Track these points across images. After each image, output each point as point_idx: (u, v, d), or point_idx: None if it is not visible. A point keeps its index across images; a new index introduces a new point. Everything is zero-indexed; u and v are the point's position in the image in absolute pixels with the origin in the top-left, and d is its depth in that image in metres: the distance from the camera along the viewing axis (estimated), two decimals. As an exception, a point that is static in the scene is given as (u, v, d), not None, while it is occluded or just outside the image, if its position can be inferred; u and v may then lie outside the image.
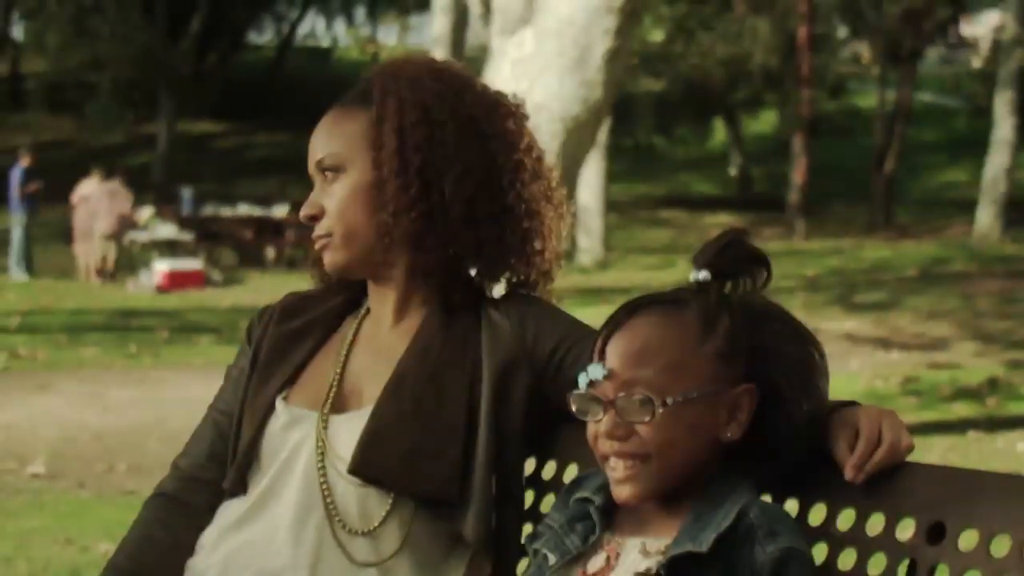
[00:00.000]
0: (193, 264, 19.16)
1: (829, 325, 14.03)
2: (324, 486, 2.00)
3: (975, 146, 27.04)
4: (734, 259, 1.81)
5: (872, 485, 1.74)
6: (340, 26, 48.18)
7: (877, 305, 16.47)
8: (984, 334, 14.03)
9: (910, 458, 1.76)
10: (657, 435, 1.72)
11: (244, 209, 22.32)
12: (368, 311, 2.15)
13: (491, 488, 2.01)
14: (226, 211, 22.33)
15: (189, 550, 2.09)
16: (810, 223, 26.03)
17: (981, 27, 36.19)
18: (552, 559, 1.78)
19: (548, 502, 1.96)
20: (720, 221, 25.14)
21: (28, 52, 36.40)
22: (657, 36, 30.44)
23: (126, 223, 19.74)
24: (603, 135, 19.61)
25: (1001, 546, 1.64)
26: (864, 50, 34.10)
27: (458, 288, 2.09)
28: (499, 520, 2.03)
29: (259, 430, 2.08)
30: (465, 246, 2.05)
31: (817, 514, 1.81)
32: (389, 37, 49.61)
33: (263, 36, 43.74)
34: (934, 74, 37.08)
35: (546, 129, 6.13)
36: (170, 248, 19.64)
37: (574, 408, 1.78)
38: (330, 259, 2.09)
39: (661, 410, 1.71)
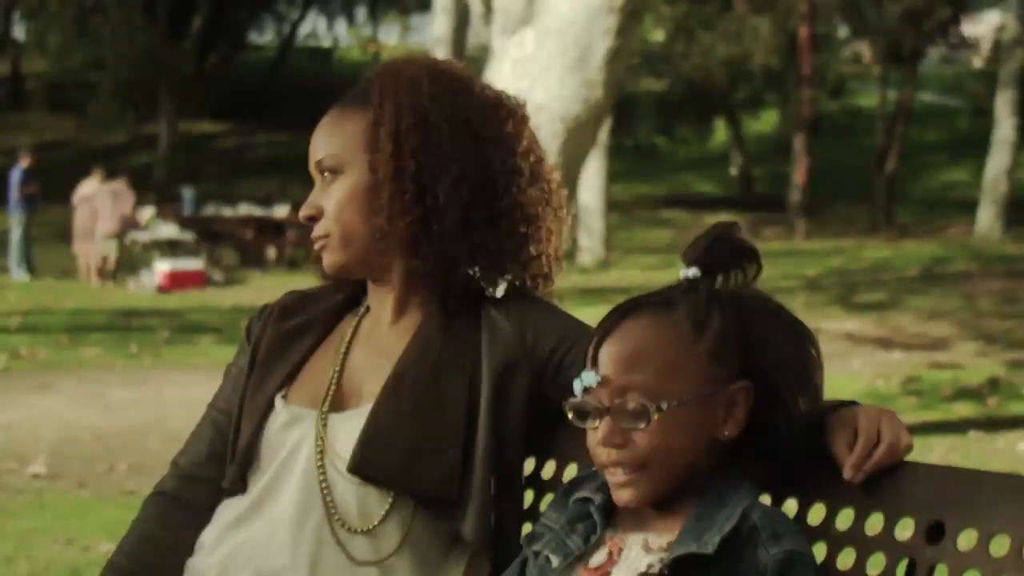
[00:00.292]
0: (194, 264, 19.16)
1: (830, 325, 14.03)
2: (324, 485, 2.00)
3: (976, 146, 27.06)
4: (724, 253, 1.78)
5: (871, 485, 1.74)
6: (341, 26, 48.25)
7: (878, 305, 16.47)
8: (985, 334, 14.03)
9: (909, 457, 1.76)
10: (654, 441, 1.71)
11: (245, 209, 22.33)
12: (368, 309, 2.16)
13: (490, 487, 2.01)
14: (227, 211, 22.34)
15: (189, 549, 2.09)
16: (811, 223, 26.03)
17: (982, 27, 36.16)
18: (555, 561, 1.78)
19: (548, 502, 1.96)
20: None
21: (29, 52, 36.40)
22: (658, 36, 30.46)
23: (128, 224, 19.75)
24: (604, 135, 19.60)
25: (1000, 546, 1.64)
26: (865, 50, 34.09)
27: (457, 289, 2.08)
28: (499, 520, 2.03)
29: (258, 429, 2.08)
30: (460, 251, 2.04)
31: (816, 513, 1.81)
32: (390, 37, 49.66)
33: (264, 36, 43.81)
34: (935, 74, 37.07)
35: (547, 129, 6.13)
36: (171, 248, 19.64)
37: (570, 415, 1.77)
38: (328, 260, 2.10)
39: (656, 416, 1.70)
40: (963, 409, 9.83)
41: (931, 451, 7.75)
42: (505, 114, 2.09)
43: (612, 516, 1.78)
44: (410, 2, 41.05)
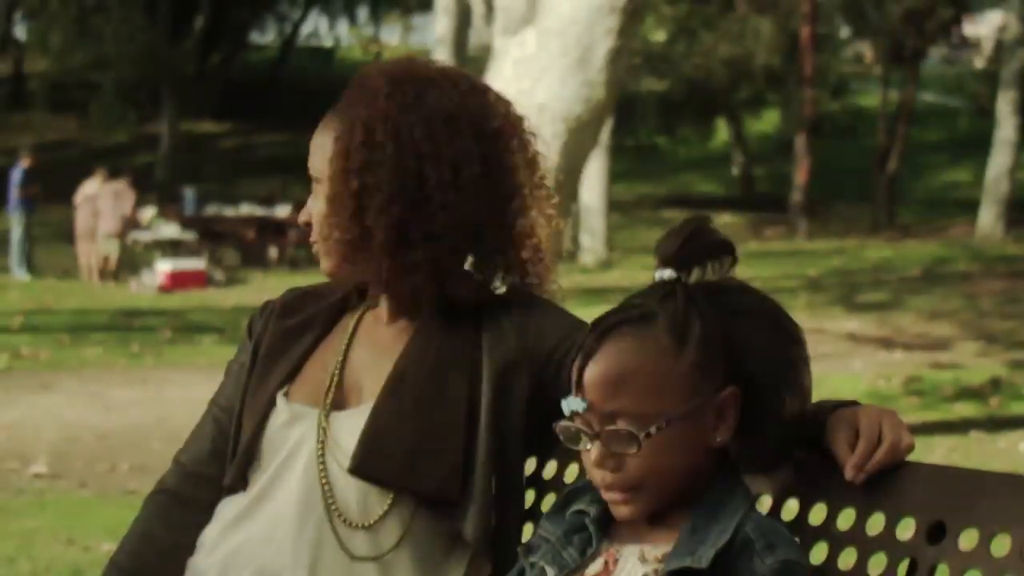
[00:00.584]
0: (195, 264, 19.17)
1: (832, 325, 14.04)
2: (325, 484, 2.00)
3: (978, 146, 27.05)
4: (698, 250, 1.75)
5: (872, 485, 1.74)
6: (343, 26, 48.19)
7: (880, 305, 16.47)
8: (987, 334, 14.03)
9: (910, 458, 1.76)
10: (646, 464, 1.70)
11: (246, 209, 22.34)
12: (369, 306, 2.16)
13: (491, 487, 2.01)
14: (229, 211, 22.35)
15: (190, 548, 2.09)
16: (812, 223, 26.03)
17: (984, 27, 36.16)
18: (551, 573, 1.77)
19: (549, 502, 1.96)
20: (723, 221, 25.12)
21: (31, 52, 36.40)
22: (659, 36, 30.44)
23: (129, 223, 19.75)
24: (605, 135, 19.62)
25: (1001, 545, 1.64)
26: (867, 50, 34.09)
27: (455, 289, 2.07)
28: (499, 520, 2.03)
29: (260, 426, 2.08)
30: (395, 270, 2.05)
31: (817, 514, 1.81)
32: (392, 37, 49.69)
33: (266, 36, 43.77)
34: (937, 74, 37.04)
35: (548, 129, 6.12)
36: (172, 248, 19.65)
37: (562, 438, 1.76)
38: (322, 265, 2.12)
39: (646, 440, 1.69)
40: (964, 409, 9.83)
41: (932, 451, 7.75)
42: (465, 124, 2.05)
43: (608, 528, 1.78)
44: (412, 2, 41.05)
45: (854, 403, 1.82)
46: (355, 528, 1.99)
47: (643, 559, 1.72)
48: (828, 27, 30.96)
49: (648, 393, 1.69)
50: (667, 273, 1.75)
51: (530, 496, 2.11)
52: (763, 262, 19.48)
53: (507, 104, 2.13)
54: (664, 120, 32.28)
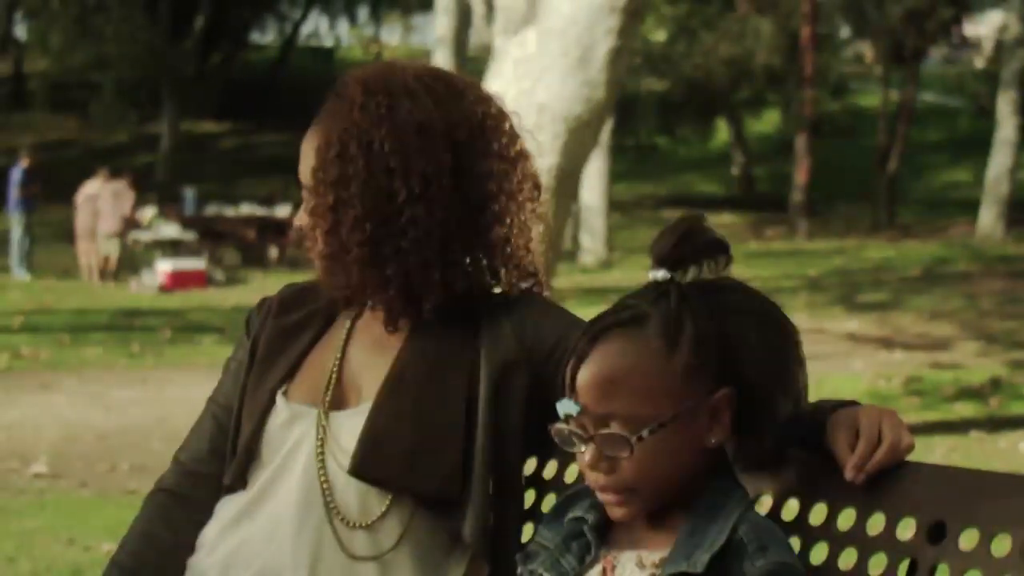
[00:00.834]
0: (196, 264, 19.17)
1: (832, 325, 14.04)
2: (324, 483, 2.00)
3: (978, 146, 27.06)
4: (692, 249, 1.74)
5: (873, 485, 1.74)
6: (343, 26, 48.28)
7: (880, 305, 16.47)
8: (987, 334, 14.03)
9: (910, 458, 1.76)
10: (640, 467, 1.69)
11: (247, 209, 22.34)
12: (366, 304, 2.16)
13: (489, 487, 2.01)
14: (229, 211, 22.35)
15: (190, 547, 2.09)
16: (813, 223, 26.03)
17: (984, 27, 36.17)
18: None
19: (549, 502, 1.96)
20: (723, 221, 25.12)
21: (31, 52, 36.41)
22: (660, 36, 30.45)
23: (128, 223, 19.75)
24: (606, 135, 19.62)
25: (1002, 546, 1.64)
26: (867, 50, 34.10)
27: (456, 289, 2.07)
28: (499, 520, 2.03)
29: (259, 426, 2.08)
30: (370, 284, 2.04)
31: (817, 514, 1.81)
32: (392, 37, 49.71)
33: (266, 36, 43.80)
34: (937, 74, 37.06)
35: (549, 129, 6.12)
36: (173, 248, 19.64)
37: (556, 440, 1.76)
38: (318, 274, 2.12)
39: (638, 444, 1.68)
40: (965, 409, 9.83)
41: (933, 451, 7.75)
42: (439, 134, 2.04)
43: (606, 534, 1.78)
44: (412, 2, 41.04)
45: (854, 403, 1.82)
46: (355, 528, 1.99)
47: (640, 565, 1.72)
48: (828, 27, 30.97)
49: (640, 396, 1.68)
50: (661, 274, 1.74)
51: (530, 496, 2.10)
52: (763, 262, 19.50)
53: (488, 103, 2.10)
54: (664, 120, 32.29)
